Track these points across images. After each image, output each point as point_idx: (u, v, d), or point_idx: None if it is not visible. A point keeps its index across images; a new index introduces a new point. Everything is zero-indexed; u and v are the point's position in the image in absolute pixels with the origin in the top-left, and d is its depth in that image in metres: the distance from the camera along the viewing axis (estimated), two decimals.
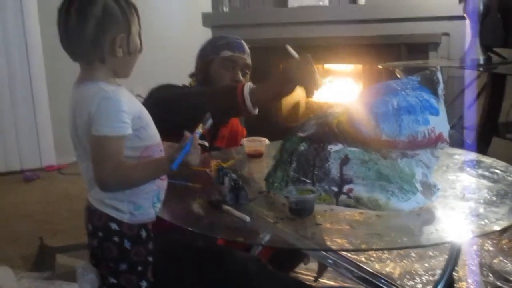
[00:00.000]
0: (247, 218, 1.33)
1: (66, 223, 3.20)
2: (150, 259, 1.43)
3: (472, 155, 1.92)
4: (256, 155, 1.90)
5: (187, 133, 1.31)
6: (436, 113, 1.41)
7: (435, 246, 2.25)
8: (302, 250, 1.90)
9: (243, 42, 2.12)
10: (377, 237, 1.24)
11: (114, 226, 1.36)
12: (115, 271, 1.39)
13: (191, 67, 2.15)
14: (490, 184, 1.57)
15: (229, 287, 1.62)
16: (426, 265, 2.45)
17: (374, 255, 2.52)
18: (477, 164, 1.78)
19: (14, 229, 3.19)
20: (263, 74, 2.01)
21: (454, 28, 3.51)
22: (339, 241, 1.24)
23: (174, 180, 1.49)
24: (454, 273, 1.71)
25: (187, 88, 2.06)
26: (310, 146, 1.45)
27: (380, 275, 1.78)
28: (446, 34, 3.59)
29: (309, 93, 1.74)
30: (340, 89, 3.98)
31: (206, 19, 4.23)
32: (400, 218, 1.35)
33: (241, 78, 2.04)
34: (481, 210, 1.38)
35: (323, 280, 2.32)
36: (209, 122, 1.37)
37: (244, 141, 1.94)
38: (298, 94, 2.04)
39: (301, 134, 1.49)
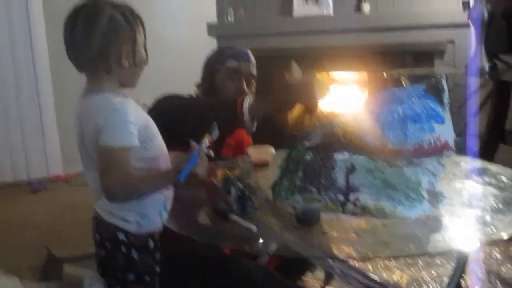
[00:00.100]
0: (254, 227, 1.33)
1: (73, 233, 3.19)
2: (157, 269, 1.43)
3: (479, 163, 1.92)
4: (262, 164, 1.91)
5: (194, 144, 1.31)
6: (441, 121, 1.41)
7: (442, 254, 2.24)
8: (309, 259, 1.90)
9: (248, 51, 2.13)
10: (384, 245, 1.25)
11: (121, 236, 1.36)
12: (122, 281, 1.39)
13: (196, 76, 2.15)
14: (496, 191, 1.57)
15: None
16: (434, 273, 2.44)
17: (381, 263, 2.51)
18: (484, 171, 1.78)
19: (22, 239, 3.19)
20: (268, 84, 2.02)
21: (459, 36, 3.51)
22: (346, 249, 1.24)
23: (180, 189, 1.49)
24: (461, 281, 1.70)
25: (192, 99, 2.06)
26: (316, 155, 1.46)
27: (387, 284, 1.77)
28: (452, 42, 3.59)
29: (309, 111, 1.75)
30: (346, 97, 3.97)
31: (211, 29, 4.25)
32: (407, 226, 1.35)
33: (246, 88, 2.04)
34: (488, 218, 1.37)
35: None
36: (216, 132, 1.37)
37: (250, 150, 1.95)
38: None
39: (307, 144, 1.50)
